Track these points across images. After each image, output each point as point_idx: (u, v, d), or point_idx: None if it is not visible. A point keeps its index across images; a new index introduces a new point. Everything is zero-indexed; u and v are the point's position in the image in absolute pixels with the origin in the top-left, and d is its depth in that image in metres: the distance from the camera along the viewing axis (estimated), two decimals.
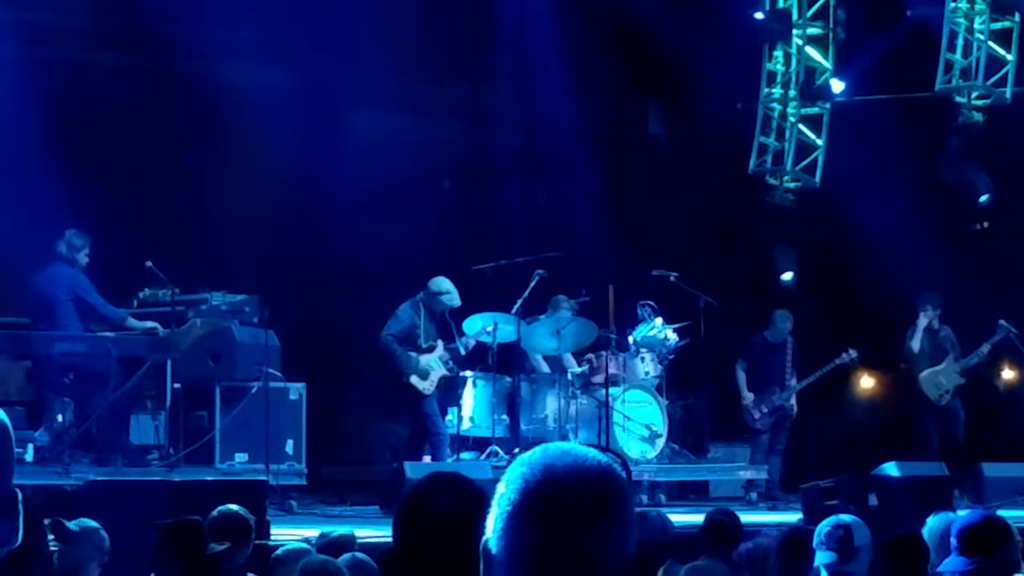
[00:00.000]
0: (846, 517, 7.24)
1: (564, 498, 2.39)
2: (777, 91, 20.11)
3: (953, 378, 17.70)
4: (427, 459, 15.41)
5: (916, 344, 17.65)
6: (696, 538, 8.83)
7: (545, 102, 19.69)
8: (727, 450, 18.34)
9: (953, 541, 6.38)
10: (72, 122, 16.19)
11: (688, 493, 17.46)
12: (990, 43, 18.83)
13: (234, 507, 8.62)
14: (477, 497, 3.51)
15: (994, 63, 18.84)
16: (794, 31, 19.84)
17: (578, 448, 2.46)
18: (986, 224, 19.26)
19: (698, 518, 12.90)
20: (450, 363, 15.95)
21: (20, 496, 2.58)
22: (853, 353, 17.55)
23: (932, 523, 7.56)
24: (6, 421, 2.41)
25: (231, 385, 14.79)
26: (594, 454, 2.45)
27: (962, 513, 7.34)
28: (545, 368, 16.94)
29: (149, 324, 14.80)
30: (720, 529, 8.78)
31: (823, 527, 7.09)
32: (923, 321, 17.67)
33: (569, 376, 16.57)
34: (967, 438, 18.01)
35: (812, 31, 19.88)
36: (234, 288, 15.59)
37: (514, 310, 16.03)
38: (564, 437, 15.84)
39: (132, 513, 9.80)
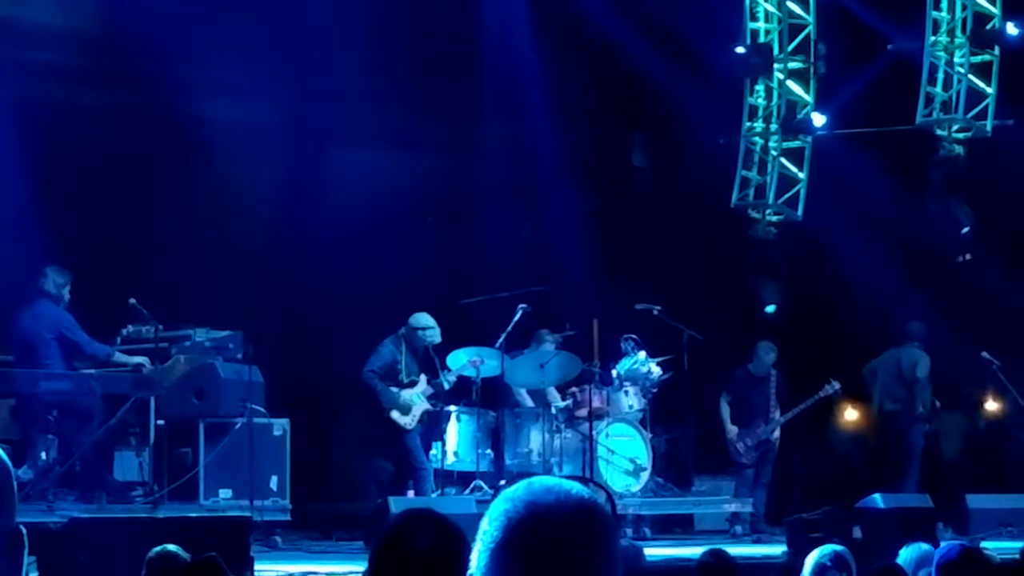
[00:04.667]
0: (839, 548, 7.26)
1: (548, 534, 2.39)
2: (759, 125, 20.18)
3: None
4: (411, 494, 15.40)
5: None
6: None
7: (529, 135, 19.73)
8: (712, 483, 18.35)
9: (933, 573, 6.40)
10: (55, 159, 16.18)
11: (673, 527, 17.46)
12: (970, 76, 18.93)
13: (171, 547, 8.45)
14: (453, 534, 3.51)
15: (974, 96, 18.94)
16: (775, 65, 19.92)
17: (562, 483, 2.47)
18: (968, 256, 19.32)
19: (683, 551, 12.94)
20: (433, 398, 15.96)
21: (24, 534, 2.57)
22: (836, 385, 17.60)
23: (906, 554, 7.59)
24: (5, 460, 2.41)
25: (215, 421, 14.76)
26: (578, 489, 2.46)
27: (942, 545, 7.36)
28: (529, 402, 16.94)
29: (137, 359, 14.75)
30: (709, 573, 8.69)
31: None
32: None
33: (553, 410, 16.57)
34: (952, 469, 18.10)
35: (793, 65, 19.96)
36: (218, 324, 15.57)
37: (498, 344, 16.04)
38: (549, 471, 15.83)
39: (116, 550, 9.77)
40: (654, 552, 13.88)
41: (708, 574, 8.51)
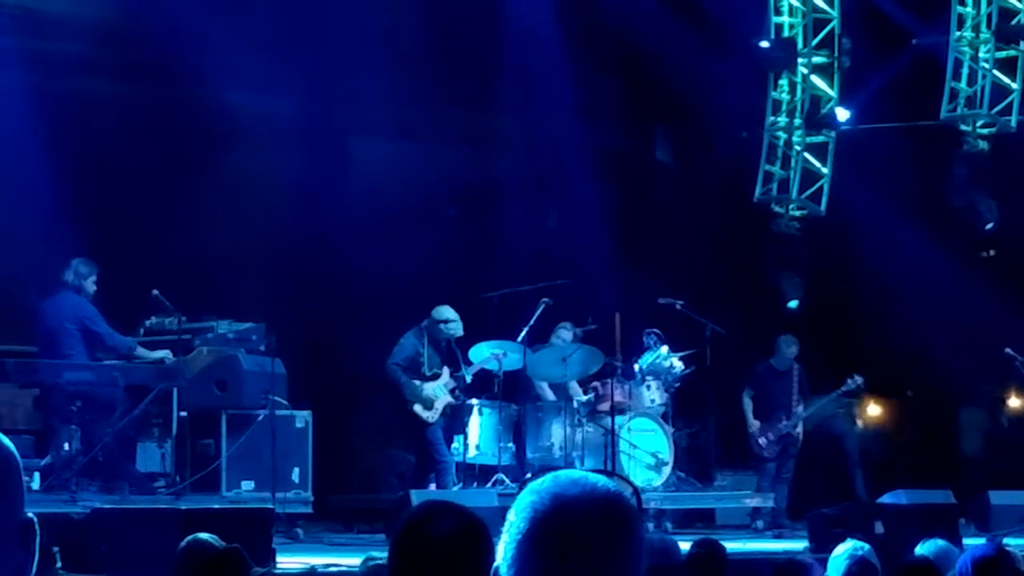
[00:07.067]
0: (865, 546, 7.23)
1: (574, 526, 2.40)
2: (783, 119, 20.16)
3: None
4: (432, 487, 15.42)
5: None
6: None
7: (551, 128, 19.71)
8: (734, 478, 18.33)
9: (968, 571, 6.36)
10: (77, 150, 16.21)
11: (695, 521, 17.44)
12: (995, 72, 18.87)
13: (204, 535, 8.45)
14: (473, 523, 3.50)
15: (999, 91, 18.89)
16: (799, 60, 19.88)
17: (588, 476, 2.47)
18: (992, 252, 19.27)
19: None
20: (456, 391, 15.96)
21: (36, 524, 2.55)
22: (859, 380, 17.56)
23: (922, 551, 7.56)
24: (11, 448, 2.40)
25: (237, 413, 14.78)
26: (604, 482, 2.46)
27: (970, 542, 7.33)
28: (550, 396, 16.94)
29: (159, 354, 14.75)
30: (700, 564, 8.62)
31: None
32: None
33: (575, 404, 16.57)
34: (975, 465, 18.06)
35: (817, 60, 19.93)
36: (240, 316, 15.60)
37: (520, 338, 16.04)
38: (570, 465, 15.82)
39: (138, 541, 9.81)
40: None
41: (699, 564, 8.48)
